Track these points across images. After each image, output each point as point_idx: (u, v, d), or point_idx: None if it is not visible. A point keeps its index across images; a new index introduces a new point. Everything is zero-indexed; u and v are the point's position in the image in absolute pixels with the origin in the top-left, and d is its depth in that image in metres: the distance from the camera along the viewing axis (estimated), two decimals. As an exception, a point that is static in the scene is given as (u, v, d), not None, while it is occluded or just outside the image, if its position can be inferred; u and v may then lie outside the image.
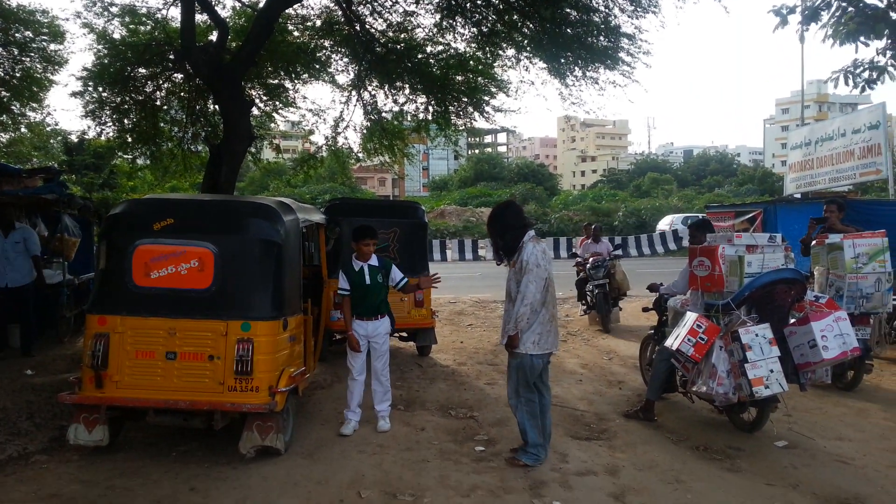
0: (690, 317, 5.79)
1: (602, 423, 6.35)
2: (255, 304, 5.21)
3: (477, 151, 72.57)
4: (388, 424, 6.07)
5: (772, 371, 5.40)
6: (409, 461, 5.25)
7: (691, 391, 6.05)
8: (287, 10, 11.44)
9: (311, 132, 18.64)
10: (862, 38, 12.36)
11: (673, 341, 5.79)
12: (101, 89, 12.93)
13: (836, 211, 8.16)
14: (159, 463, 5.12)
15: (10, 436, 5.54)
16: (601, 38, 10.78)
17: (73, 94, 12.93)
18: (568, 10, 10.38)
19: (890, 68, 12.53)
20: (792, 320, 5.96)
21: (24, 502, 4.38)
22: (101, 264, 5.35)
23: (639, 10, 9.94)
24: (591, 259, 11.90)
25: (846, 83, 13.05)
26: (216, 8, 11.34)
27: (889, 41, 12.27)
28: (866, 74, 12.70)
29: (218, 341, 5.05)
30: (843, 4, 11.91)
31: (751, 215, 13.19)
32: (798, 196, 17.82)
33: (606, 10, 10.20)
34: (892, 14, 11.93)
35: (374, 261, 6.10)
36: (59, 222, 10.45)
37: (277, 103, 14.74)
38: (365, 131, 14.90)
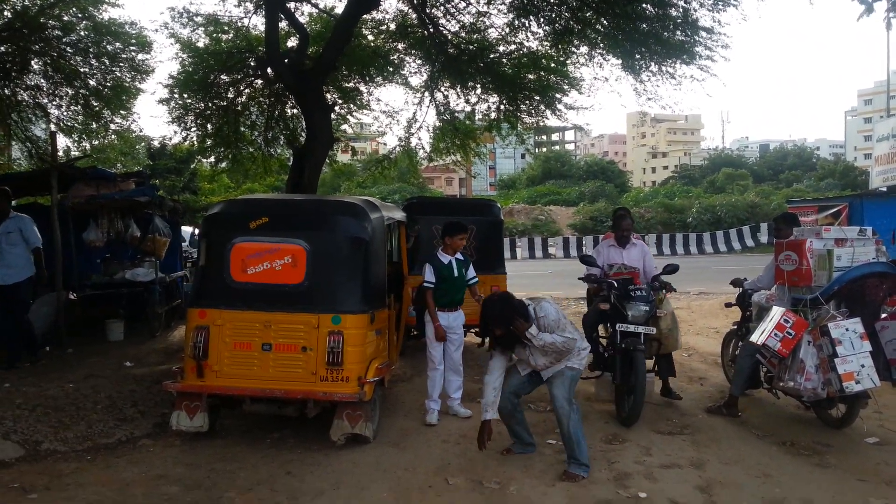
0: (777, 311, 5.71)
1: (684, 418, 6.32)
2: (345, 299, 5.42)
3: (545, 149, 72.09)
4: (466, 410, 6.38)
5: (863, 366, 5.28)
6: (493, 451, 5.36)
7: (777, 387, 5.96)
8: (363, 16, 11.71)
9: (383, 133, 19.01)
10: (953, 25, 11.80)
11: (759, 336, 5.72)
12: (185, 96, 13.56)
13: (928, 203, 7.87)
14: (255, 449, 5.39)
15: (118, 422, 5.94)
16: (678, 32, 10.64)
17: (161, 101, 13.62)
18: (644, 5, 10.30)
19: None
20: (884, 315, 5.80)
21: (136, 482, 4.70)
22: (201, 261, 5.68)
23: (719, 3, 9.75)
24: (614, 277, 6.90)
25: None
26: (295, 14, 11.72)
27: (983, 27, 11.74)
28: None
29: (310, 333, 5.29)
30: (934, -11, 11.47)
31: (835, 210, 12.78)
32: (885, 189, 17.12)
33: (685, 4, 10.04)
34: None
35: (459, 255, 6.42)
36: (151, 223, 11.02)
37: (352, 106, 15.11)
38: (437, 131, 15.11)
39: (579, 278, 7.41)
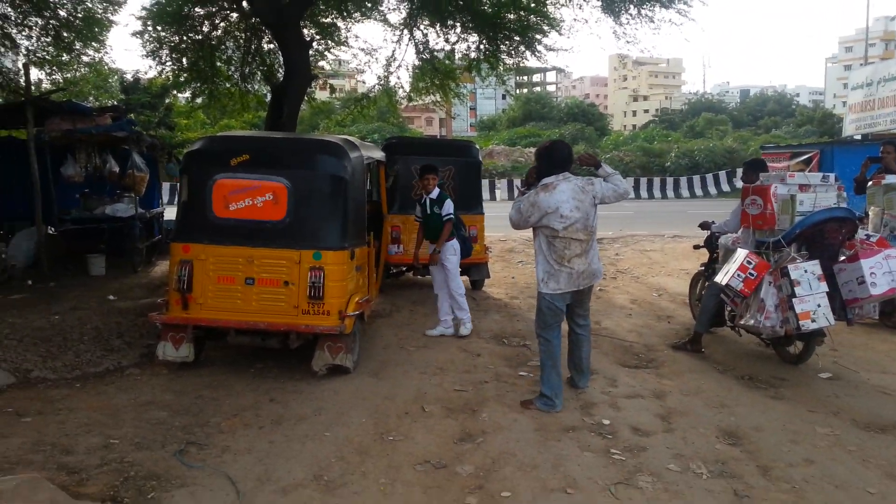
0: (741, 253, 5.95)
1: (651, 353, 6.63)
2: (325, 235, 5.58)
3: (525, 91, 71.44)
4: (469, 328, 7.16)
5: (819, 306, 5.56)
6: (467, 382, 5.64)
7: (739, 325, 6.26)
8: (343, -52, 11.51)
9: (362, 71, 18.80)
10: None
11: (723, 277, 5.97)
12: (159, 29, 13.27)
13: (893, 152, 8.11)
14: (240, 378, 5.62)
15: (105, 352, 6.13)
16: (658, -27, 10.64)
17: (134, 34, 13.31)
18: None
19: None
20: (842, 258, 6.07)
21: (125, 407, 4.90)
22: (184, 197, 5.77)
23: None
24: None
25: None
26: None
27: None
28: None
29: (292, 269, 5.46)
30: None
31: (807, 156, 13.03)
32: (857, 137, 17.41)
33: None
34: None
35: (433, 194, 7.04)
36: (129, 159, 10.99)
37: (330, 42, 14.91)
38: (416, 70, 15.00)
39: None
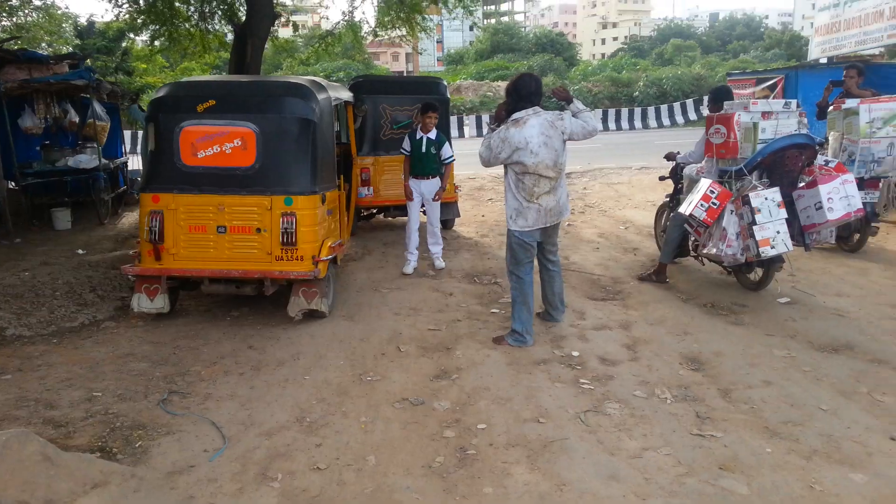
0: (704, 183, 6.08)
1: (617, 285, 6.82)
2: (296, 180, 5.57)
3: (493, 21, 70.07)
4: (443, 263, 7.57)
5: (778, 232, 5.73)
6: (441, 321, 5.78)
7: (702, 254, 6.45)
8: None
9: (327, 7, 18.35)
10: None
11: (687, 207, 6.11)
12: (112, -31, 12.79)
13: (855, 76, 8.22)
14: (216, 326, 5.70)
15: (78, 306, 6.15)
16: None
17: (87, -25, 12.83)
18: None
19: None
20: (801, 184, 6.22)
21: (104, 360, 4.97)
22: (151, 146, 5.70)
23: None
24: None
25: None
26: None
27: None
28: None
29: (264, 215, 5.48)
30: None
31: (772, 82, 13.08)
32: (823, 61, 17.48)
33: None
34: None
35: (432, 134, 7.30)
36: (89, 108, 10.75)
37: (291, -22, 14.52)
38: (382, 4, 14.69)
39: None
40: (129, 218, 10.79)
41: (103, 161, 10.41)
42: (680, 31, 76.01)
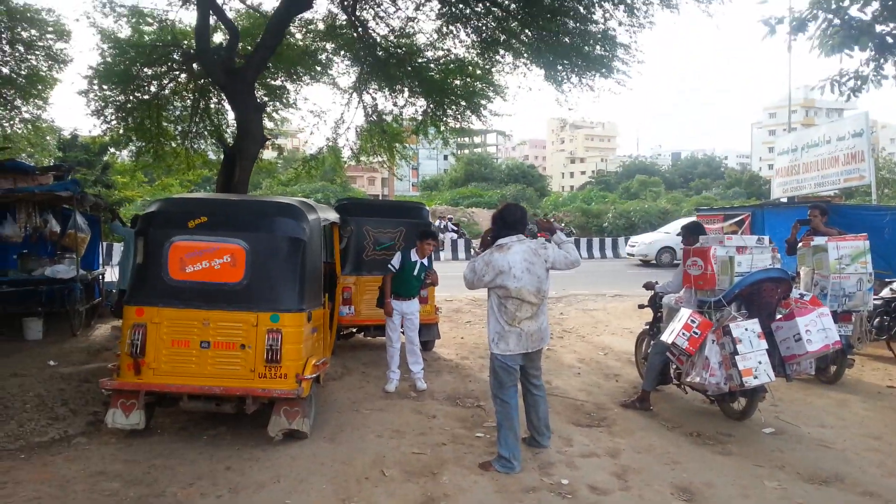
0: (685, 312, 6.20)
1: (601, 411, 6.76)
2: (283, 297, 5.58)
3: (467, 152, 72.88)
4: (424, 384, 7.48)
5: (760, 362, 5.82)
6: (425, 444, 5.64)
7: (685, 382, 6.48)
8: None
9: (312, 133, 19.10)
10: (846, 51, 12.92)
11: (669, 335, 6.20)
12: (105, 88, 13.22)
13: (818, 215, 8.63)
14: (193, 445, 5.49)
15: (50, 420, 5.90)
16: (598, 47, 11.22)
17: (80, 93, 13.21)
18: (566, 20, 10.81)
19: (873, 78, 13.12)
20: (779, 316, 6.38)
21: (75, 479, 4.73)
22: (138, 259, 5.71)
23: (635, 25, 10.37)
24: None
25: (832, 91, 13.58)
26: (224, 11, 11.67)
27: (872, 52, 12.84)
28: (851, 83, 13.25)
29: (249, 331, 5.43)
30: (829, 17, 12.46)
31: (739, 218, 13.63)
32: (784, 200, 18.32)
33: (604, 23, 10.61)
34: (876, 27, 12.49)
35: (425, 260, 7.63)
36: (70, 218, 10.77)
37: (278, 104, 15.10)
38: (365, 132, 15.28)
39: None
40: (102, 330, 10.57)
41: (81, 272, 10.32)
42: (644, 167, 79.72)
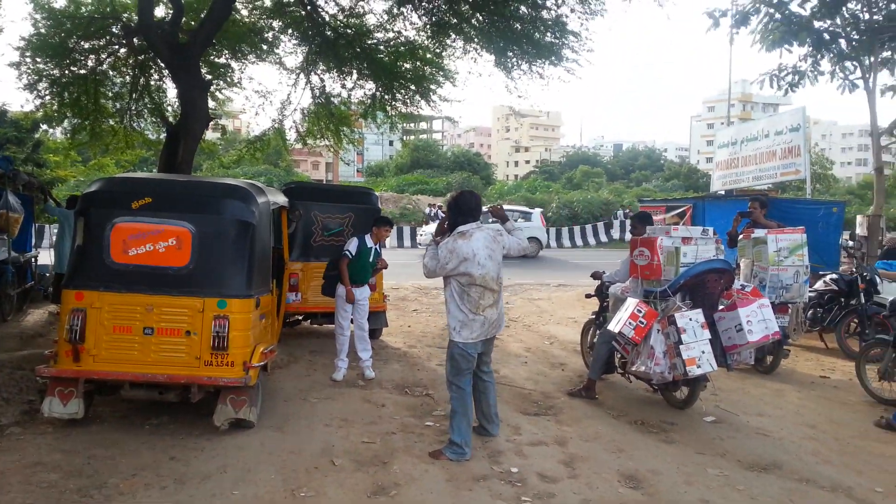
0: (631, 302, 6.31)
1: (548, 400, 6.83)
2: (231, 283, 5.43)
3: (413, 138, 72.60)
4: (373, 373, 7.44)
5: (703, 352, 5.97)
6: (375, 433, 5.60)
7: (630, 371, 6.59)
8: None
9: (257, 113, 18.61)
10: (786, 46, 13.29)
11: (615, 325, 6.29)
12: (39, 61, 12.63)
13: (759, 208, 8.89)
14: (134, 435, 5.31)
15: (-21, 409, 5.62)
16: (549, 34, 11.25)
17: (11, 65, 12.59)
18: (518, 6, 10.80)
19: (810, 74, 13.59)
20: (721, 307, 6.55)
21: (10, 471, 4.51)
22: (78, 241, 5.47)
23: (588, 13, 10.42)
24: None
25: (771, 86, 14.01)
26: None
27: (811, 48, 13.28)
28: (789, 78, 13.71)
29: (195, 317, 5.27)
30: (771, 11, 12.81)
31: (681, 210, 13.95)
32: (723, 193, 18.84)
33: (556, 9, 10.63)
34: (814, 23, 12.92)
35: (378, 246, 7.61)
36: (2, 198, 10.26)
37: (222, 83, 14.69)
38: (312, 115, 15.01)
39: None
40: (36, 315, 10.15)
41: (12, 254, 9.87)
42: (587, 158, 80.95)
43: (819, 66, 13.52)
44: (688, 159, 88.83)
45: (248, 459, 4.91)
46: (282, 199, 7.42)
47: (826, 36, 13.09)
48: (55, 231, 11.69)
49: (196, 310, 5.29)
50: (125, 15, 12.30)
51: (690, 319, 6.04)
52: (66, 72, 12.86)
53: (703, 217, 13.11)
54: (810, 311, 9.32)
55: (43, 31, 12.26)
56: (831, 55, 13.31)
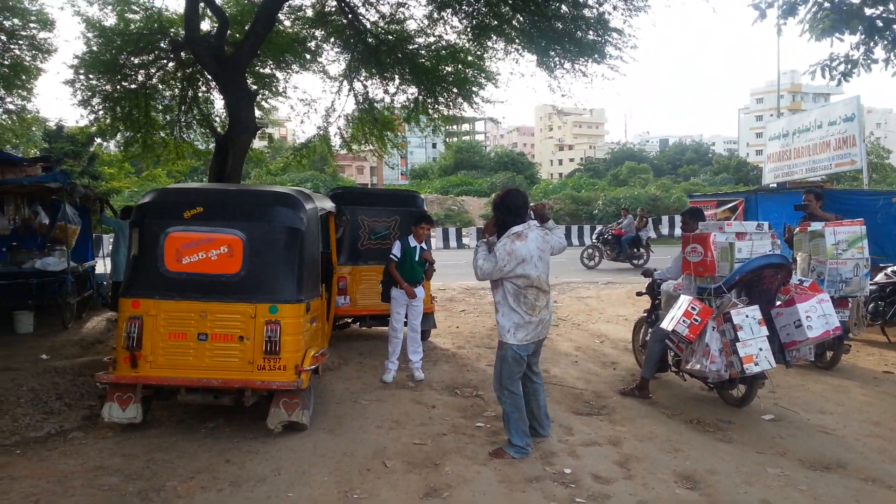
0: (685, 299, 6.18)
1: (600, 400, 6.74)
2: (282, 288, 5.50)
3: (456, 140, 72.69)
4: (422, 374, 7.44)
5: (761, 349, 5.81)
6: (426, 435, 5.60)
7: (684, 369, 6.46)
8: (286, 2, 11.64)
9: (302, 121, 18.88)
10: (837, 35, 12.89)
11: (668, 323, 6.17)
12: (91, 77, 13.03)
13: (814, 200, 8.64)
14: (191, 438, 5.42)
15: (45, 415, 5.82)
16: (591, 32, 11.13)
17: (66, 83, 13.02)
18: (559, 5, 10.72)
19: (863, 62, 13.14)
20: (778, 302, 6.37)
21: (73, 474, 4.65)
22: (134, 251, 5.61)
23: (631, 9, 10.28)
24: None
25: (823, 76, 13.58)
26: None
27: (863, 36, 12.84)
28: (842, 68, 13.26)
29: (247, 323, 5.36)
30: (820, 0, 12.44)
31: (732, 204, 13.68)
32: (775, 186, 18.38)
33: (598, 7, 10.51)
34: (865, 10, 12.48)
35: (424, 245, 7.58)
36: (60, 210, 10.62)
37: (267, 93, 14.93)
38: (356, 120, 15.15)
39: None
40: (94, 322, 10.46)
41: (71, 264, 10.19)
42: (632, 154, 79.85)
43: (872, 54, 13.04)
44: (737, 152, 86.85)
45: (302, 462, 4.96)
46: (329, 205, 7.49)
47: (879, 23, 12.63)
48: (111, 241, 12.05)
49: (248, 315, 5.37)
50: (172, 30, 12.60)
51: (747, 316, 5.89)
52: (118, 87, 13.26)
53: (757, 211, 12.85)
54: (871, 305, 9.01)
55: (95, 48, 12.64)
56: (885, 42, 12.84)
